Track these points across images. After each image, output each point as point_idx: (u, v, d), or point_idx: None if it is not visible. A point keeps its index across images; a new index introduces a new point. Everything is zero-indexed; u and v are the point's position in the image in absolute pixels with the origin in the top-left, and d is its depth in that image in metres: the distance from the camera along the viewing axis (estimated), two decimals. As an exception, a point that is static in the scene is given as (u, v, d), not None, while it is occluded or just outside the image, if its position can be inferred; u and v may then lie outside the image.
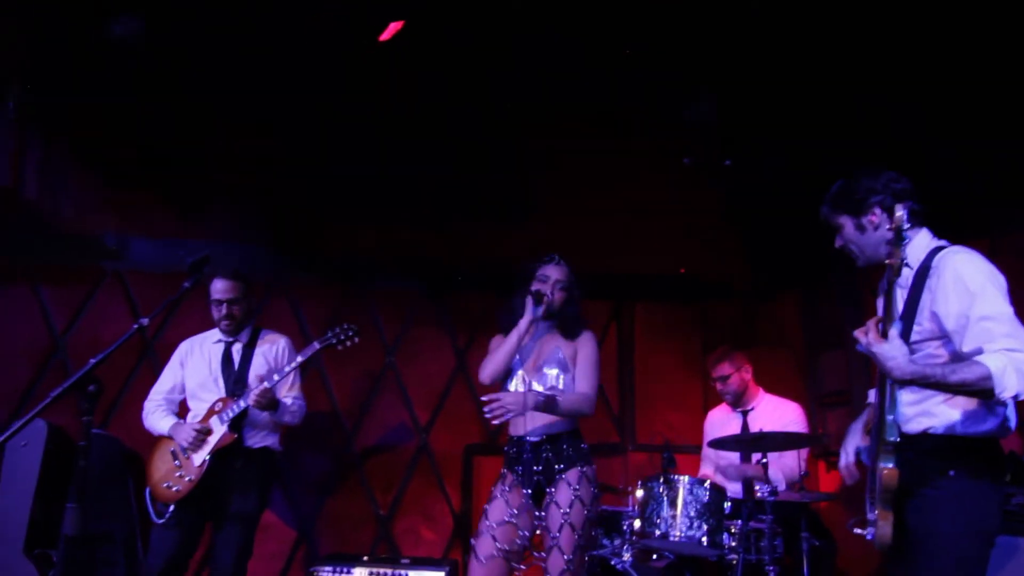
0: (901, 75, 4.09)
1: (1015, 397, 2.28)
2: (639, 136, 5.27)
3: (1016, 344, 2.29)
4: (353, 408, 5.45)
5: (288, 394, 4.08)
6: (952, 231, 2.66)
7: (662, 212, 5.47)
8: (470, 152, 5.15)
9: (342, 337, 3.99)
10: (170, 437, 3.99)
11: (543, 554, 3.37)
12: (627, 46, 4.47)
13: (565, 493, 3.35)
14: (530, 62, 4.54)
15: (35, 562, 4.23)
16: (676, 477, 3.84)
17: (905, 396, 2.49)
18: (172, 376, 4.19)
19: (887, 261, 2.42)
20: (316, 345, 3.98)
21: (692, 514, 3.74)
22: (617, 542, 4.07)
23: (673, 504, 3.77)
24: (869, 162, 2.72)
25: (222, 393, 4.03)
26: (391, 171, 5.18)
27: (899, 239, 2.38)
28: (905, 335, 2.46)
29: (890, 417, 2.44)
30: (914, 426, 2.51)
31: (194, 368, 4.14)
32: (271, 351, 4.16)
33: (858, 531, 2.57)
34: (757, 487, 3.88)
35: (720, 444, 4.19)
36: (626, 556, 3.85)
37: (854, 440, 2.77)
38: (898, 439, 2.43)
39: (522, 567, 3.39)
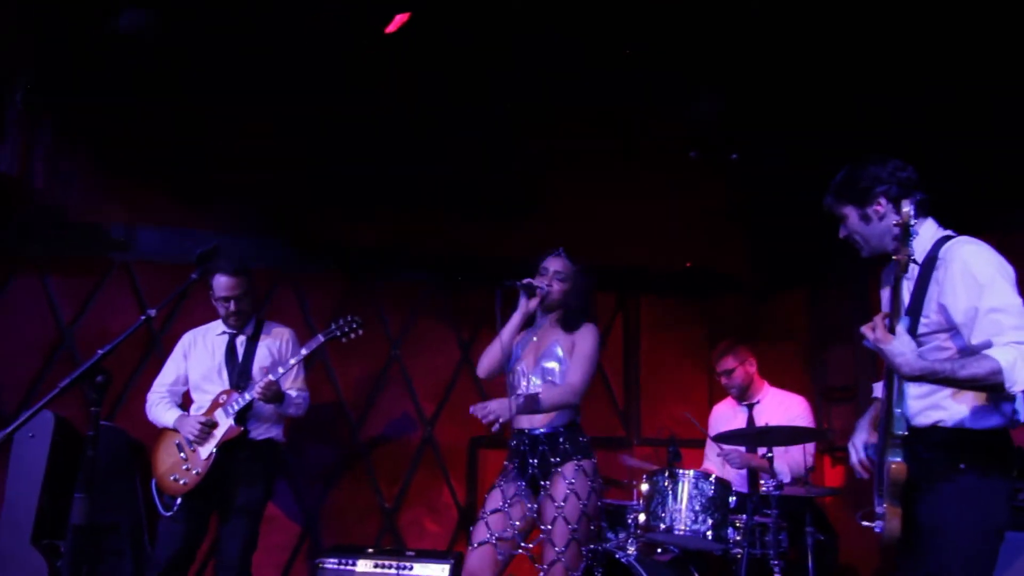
0: (906, 71, 4.07)
1: None
2: (644, 129, 5.27)
3: None
4: (358, 400, 5.46)
5: (292, 386, 4.08)
6: (958, 229, 2.63)
7: (668, 206, 5.47)
8: (477, 148, 5.15)
9: (346, 330, 3.99)
10: (175, 430, 4.00)
11: (530, 545, 3.34)
12: (629, 45, 4.47)
13: (560, 486, 3.31)
14: (533, 60, 4.54)
15: (43, 552, 4.26)
16: (681, 471, 3.85)
17: (913, 389, 2.46)
18: (175, 368, 4.19)
19: (894, 257, 2.38)
20: (320, 338, 3.98)
21: (697, 508, 3.75)
22: (622, 536, 4.08)
23: (678, 498, 3.78)
24: (870, 151, 2.67)
25: (226, 385, 4.03)
26: (397, 165, 5.19)
27: (906, 235, 2.35)
28: (912, 328, 2.44)
29: (898, 411, 2.42)
30: (923, 419, 2.48)
31: (198, 360, 4.14)
32: (275, 343, 4.16)
33: (866, 524, 2.56)
34: (762, 481, 3.87)
35: (725, 438, 4.19)
36: (631, 550, 3.85)
37: (862, 435, 2.73)
38: (906, 432, 2.41)
39: (512, 553, 3.33)
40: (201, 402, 4.07)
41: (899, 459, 2.39)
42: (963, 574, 2.38)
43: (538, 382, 3.47)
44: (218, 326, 4.17)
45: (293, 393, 4.05)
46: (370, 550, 4.59)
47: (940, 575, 2.40)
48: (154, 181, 5.10)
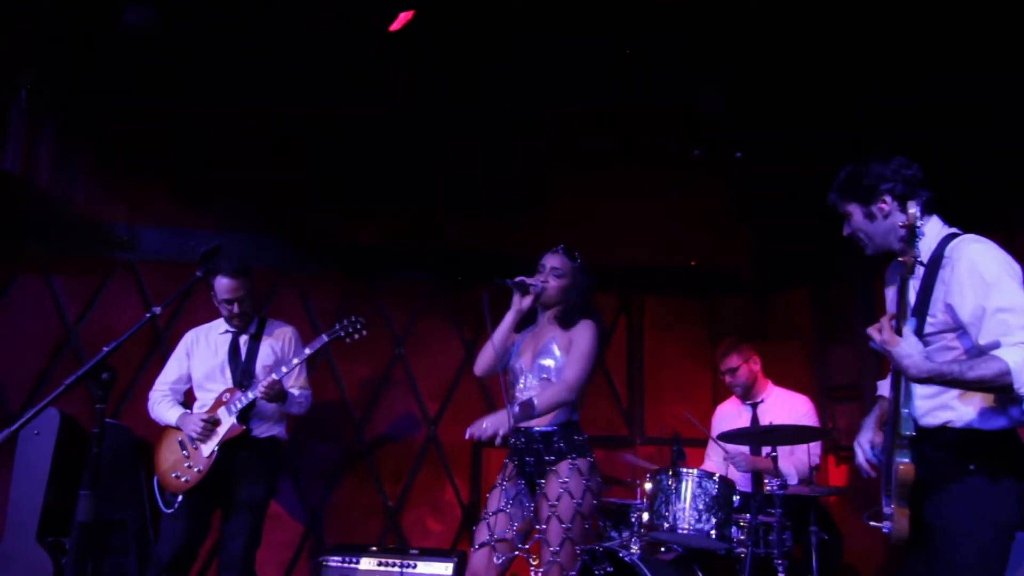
0: (908, 68, 4.06)
1: None
2: (647, 128, 5.26)
3: None
4: (362, 399, 5.47)
5: (295, 385, 4.08)
6: (964, 225, 2.61)
7: (671, 205, 5.46)
8: (480, 146, 5.15)
9: (350, 330, 3.99)
10: (178, 427, 4.01)
11: (526, 546, 3.30)
12: (630, 44, 4.47)
13: (554, 485, 3.26)
14: (534, 59, 4.54)
15: (48, 549, 4.27)
16: (685, 470, 3.84)
17: (921, 389, 2.44)
18: (178, 367, 4.19)
19: (900, 259, 2.35)
20: (324, 338, 3.98)
21: (701, 507, 3.74)
22: (626, 534, 4.08)
23: (682, 497, 3.78)
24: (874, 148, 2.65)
25: (229, 384, 4.04)
26: (399, 164, 5.20)
27: (912, 237, 2.32)
28: (919, 328, 2.42)
29: (905, 411, 2.40)
30: (931, 420, 2.46)
31: (200, 359, 4.14)
32: (278, 342, 4.16)
33: (873, 524, 2.54)
34: (766, 480, 3.87)
35: (730, 438, 4.18)
36: (634, 548, 3.85)
37: (868, 434, 2.71)
38: (914, 433, 2.39)
39: (511, 554, 3.29)
40: (204, 400, 4.07)
41: (907, 460, 2.38)
42: (973, 575, 2.37)
43: (534, 381, 3.43)
44: (221, 324, 4.17)
45: (296, 392, 4.06)
46: (373, 548, 4.59)
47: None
48: (157, 181, 5.11)
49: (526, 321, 3.61)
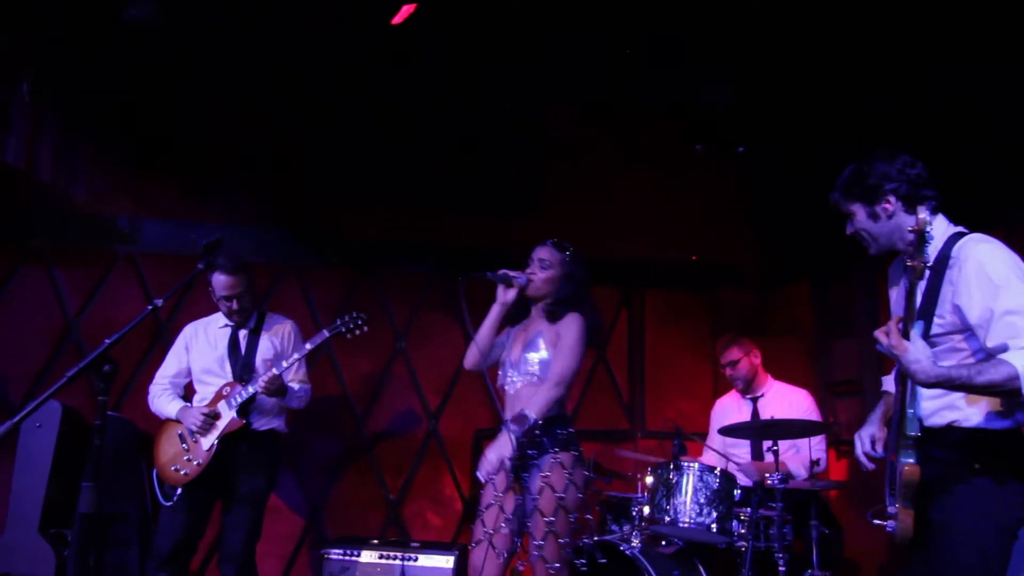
0: (913, 64, 4.05)
1: None
2: (650, 122, 5.26)
3: None
4: (363, 393, 5.47)
5: (295, 379, 4.09)
6: (962, 222, 2.59)
7: (673, 199, 5.47)
8: (482, 141, 5.16)
9: (351, 326, 3.98)
10: (177, 420, 4.01)
11: (518, 540, 3.29)
12: (632, 41, 4.47)
13: (535, 479, 3.25)
14: (535, 57, 4.54)
15: (50, 541, 4.28)
16: (686, 464, 3.85)
17: (927, 390, 2.41)
18: (177, 360, 4.19)
19: (909, 263, 2.31)
20: (325, 333, 3.98)
21: (702, 501, 3.75)
22: (626, 528, 4.08)
23: (683, 491, 3.78)
24: (878, 146, 2.62)
25: (229, 378, 4.04)
26: (402, 158, 5.20)
27: (922, 241, 2.27)
28: (926, 329, 2.40)
29: (911, 411, 2.39)
30: (937, 420, 2.45)
31: (199, 352, 4.14)
32: (278, 336, 4.16)
33: (877, 522, 2.54)
34: (767, 475, 3.87)
35: (731, 431, 4.18)
36: (635, 542, 3.85)
37: (870, 428, 2.70)
38: (919, 434, 2.38)
39: (508, 547, 3.26)
40: (204, 393, 4.08)
41: (912, 460, 2.37)
42: (976, 574, 2.37)
43: (517, 375, 3.40)
44: (220, 318, 4.17)
45: (296, 386, 4.06)
46: (374, 541, 4.60)
47: (951, 574, 2.39)
48: (159, 174, 5.11)
49: (521, 314, 3.57)
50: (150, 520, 4.55)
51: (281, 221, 5.36)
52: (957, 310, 2.39)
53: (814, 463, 3.94)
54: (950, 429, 2.44)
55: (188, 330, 4.24)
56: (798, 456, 4.28)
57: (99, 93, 4.90)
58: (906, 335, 2.30)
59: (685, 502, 3.76)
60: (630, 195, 5.43)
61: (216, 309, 4.18)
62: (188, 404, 4.07)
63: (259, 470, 3.98)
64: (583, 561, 3.38)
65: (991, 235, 2.48)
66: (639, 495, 4.06)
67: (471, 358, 3.59)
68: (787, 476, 3.80)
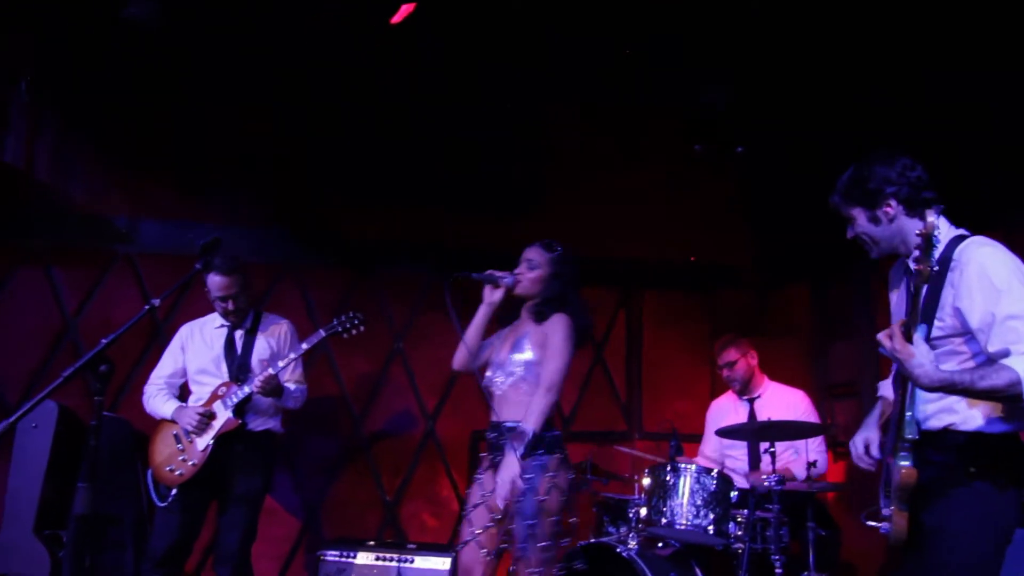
0: (911, 64, 4.06)
1: None
2: (649, 123, 5.26)
3: None
4: (361, 393, 5.46)
5: (291, 379, 4.08)
6: (963, 222, 2.58)
7: (671, 200, 5.46)
8: (482, 142, 5.15)
9: (348, 325, 3.98)
10: (173, 420, 4.00)
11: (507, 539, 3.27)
12: (632, 41, 4.47)
13: (519, 482, 3.21)
14: (535, 57, 4.54)
15: (45, 542, 4.27)
16: (683, 465, 3.84)
17: (926, 393, 2.41)
18: (173, 361, 4.18)
19: (915, 268, 2.29)
20: (322, 333, 3.97)
21: (699, 502, 3.74)
22: (623, 529, 4.08)
23: (680, 492, 3.77)
24: (876, 148, 2.60)
25: (225, 378, 4.04)
26: (401, 158, 5.19)
27: (929, 246, 2.24)
28: (927, 332, 2.39)
29: (909, 414, 2.38)
30: (935, 423, 2.44)
31: (195, 353, 4.14)
32: (274, 336, 4.16)
33: (871, 524, 2.54)
34: (764, 477, 3.87)
35: (728, 433, 4.18)
36: (632, 544, 3.85)
37: (864, 433, 2.70)
38: (917, 437, 2.37)
39: (495, 546, 3.24)
40: (200, 394, 4.07)
41: (909, 463, 2.37)
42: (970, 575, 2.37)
43: (502, 376, 3.39)
44: (216, 319, 4.17)
45: (292, 386, 4.06)
46: (371, 543, 4.59)
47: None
48: (158, 174, 5.11)
49: (512, 315, 3.56)
50: (146, 521, 4.54)
51: (280, 221, 5.36)
52: (958, 313, 2.38)
53: (811, 464, 3.93)
54: (947, 432, 2.43)
55: (184, 330, 4.23)
56: (799, 460, 4.27)
57: (98, 93, 4.90)
58: (909, 338, 2.29)
59: (682, 504, 3.75)
60: (629, 196, 5.43)
61: (213, 309, 4.17)
62: (183, 404, 4.06)
63: (255, 470, 3.98)
64: (577, 565, 3.37)
65: (991, 237, 2.47)
66: (636, 496, 4.06)
67: (459, 358, 3.58)
68: (783, 479, 3.79)
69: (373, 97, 4.97)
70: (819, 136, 4.68)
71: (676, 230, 5.63)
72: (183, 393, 4.20)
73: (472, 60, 4.65)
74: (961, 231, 2.51)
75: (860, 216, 2.57)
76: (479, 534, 3.28)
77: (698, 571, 3.89)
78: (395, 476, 5.43)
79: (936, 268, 2.32)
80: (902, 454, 2.39)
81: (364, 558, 4.45)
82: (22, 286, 5.03)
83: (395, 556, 4.43)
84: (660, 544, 4.09)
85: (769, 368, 4.76)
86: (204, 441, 3.91)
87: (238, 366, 4.05)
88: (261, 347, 4.10)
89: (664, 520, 3.76)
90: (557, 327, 3.36)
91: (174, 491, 3.88)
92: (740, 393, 4.67)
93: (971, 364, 2.40)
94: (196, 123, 5.02)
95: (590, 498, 4.56)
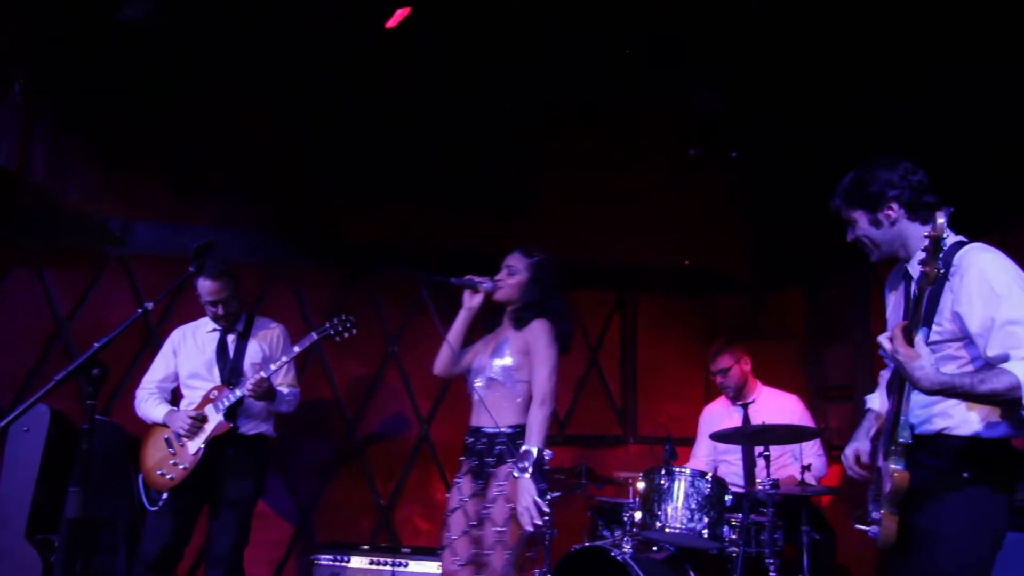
0: (905, 69, 4.07)
1: None
2: (643, 127, 5.27)
3: None
4: (355, 397, 5.45)
5: (283, 383, 4.07)
6: (958, 225, 2.60)
7: (666, 204, 5.47)
8: (477, 144, 5.15)
9: (340, 328, 3.96)
10: (164, 424, 3.99)
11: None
12: (629, 43, 4.47)
13: (491, 488, 3.25)
14: (535, 57, 4.54)
15: (37, 547, 4.24)
16: (677, 469, 3.84)
17: (919, 397, 2.42)
18: (164, 365, 4.17)
19: (923, 270, 2.28)
20: (314, 336, 3.96)
21: (693, 506, 3.74)
22: (618, 533, 4.07)
23: (674, 496, 3.77)
24: (877, 153, 2.61)
25: (217, 382, 4.03)
26: (397, 160, 5.19)
27: (938, 248, 2.22)
28: (926, 336, 2.40)
29: (903, 418, 2.39)
30: (929, 427, 2.45)
31: (187, 356, 4.12)
32: (266, 339, 4.15)
33: (860, 527, 2.54)
34: (758, 480, 3.87)
35: (724, 437, 4.18)
36: (626, 547, 3.84)
37: (855, 444, 2.71)
38: (911, 441, 2.38)
39: (473, 551, 3.24)
40: (191, 398, 4.06)
41: (901, 467, 2.37)
42: None
43: (481, 382, 3.39)
44: (208, 323, 4.16)
45: (284, 390, 4.05)
46: (365, 547, 4.58)
47: None
48: (152, 176, 5.09)
49: (496, 322, 3.57)
50: (139, 525, 4.52)
51: (275, 223, 5.35)
52: (957, 318, 2.39)
53: (805, 468, 3.93)
54: (941, 437, 2.44)
55: (176, 334, 4.22)
56: (798, 465, 4.27)
57: (92, 94, 4.88)
58: (910, 341, 2.30)
59: (676, 508, 3.75)
60: (625, 198, 5.43)
61: (206, 313, 4.16)
62: (175, 408, 4.05)
63: (247, 474, 3.96)
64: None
65: (986, 242, 2.49)
66: (630, 500, 4.05)
67: (440, 363, 3.60)
68: (775, 482, 3.79)
69: (371, 97, 4.97)
70: (814, 140, 4.70)
71: (671, 234, 5.63)
72: (175, 398, 4.19)
73: (472, 60, 4.65)
74: (960, 237, 2.52)
75: (861, 219, 2.59)
76: (454, 540, 3.28)
77: (692, 575, 3.89)
78: (389, 480, 5.41)
79: (943, 270, 2.33)
80: (895, 458, 2.39)
81: (358, 562, 4.44)
82: (14, 288, 5.01)
83: (389, 560, 4.43)
84: (654, 548, 4.08)
85: (763, 371, 4.76)
86: (195, 445, 3.89)
87: (230, 370, 4.03)
88: (253, 351, 4.09)
89: (659, 524, 3.76)
90: (539, 334, 3.36)
91: (164, 495, 3.86)
92: (733, 399, 4.67)
93: (969, 369, 2.40)
94: (191, 124, 5.00)
95: (585, 502, 4.55)
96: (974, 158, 3.99)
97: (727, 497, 3.80)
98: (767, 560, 3.72)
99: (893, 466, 2.39)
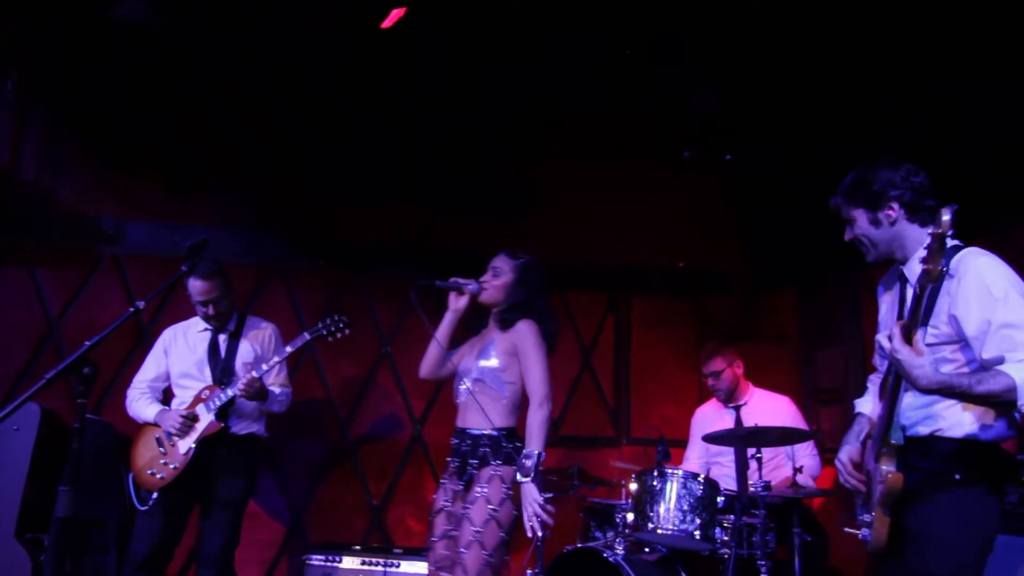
0: (901, 72, 4.08)
1: None
2: (639, 129, 5.27)
3: None
4: (347, 397, 5.44)
5: (275, 383, 4.06)
6: (958, 225, 2.60)
7: (661, 206, 5.48)
8: (473, 145, 5.15)
9: (332, 329, 3.95)
10: (155, 424, 3.97)
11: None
12: (627, 45, 4.47)
13: (472, 489, 3.24)
14: (534, 57, 4.54)
15: (26, 546, 4.22)
16: (670, 470, 3.84)
17: (911, 399, 2.43)
18: (156, 365, 4.15)
19: (926, 268, 2.27)
20: (306, 336, 3.95)
21: (685, 508, 3.74)
22: (610, 534, 4.07)
23: (666, 497, 3.77)
24: (877, 154, 2.62)
25: (208, 382, 4.01)
26: (392, 161, 5.18)
27: (942, 247, 2.21)
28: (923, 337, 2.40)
29: (895, 420, 2.40)
30: (921, 429, 2.46)
31: (179, 356, 4.10)
32: (258, 339, 4.14)
33: (849, 531, 2.55)
34: (751, 482, 3.87)
35: (716, 440, 4.18)
36: (619, 549, 3.85)
37: (847, 449, 2.70)
38: (903, 443, 2.39)
39: (457, 550, 3.20)
40: (183, 397, 4.04)
41: (894, 469, 2.38)
42: None
43: (467, 383, 3.39)
44: (200, 322, 4.14)
45: (276, 390, 4.03)
46: (357, 547, 4.58)
47: None
48: (145, 174, 5.08)
49: (481, 325, 3.57)
50: (129, 525, 4.50)
51: (267, 223, 5.34)
52: (953, 321, 2.40)
53: (797, 470, 3.93)
54: (933, 439, 2.44)
55: (167, 334, 4.20)
56: (792, 467, 4.28)
57: (85, 92, 4.87)
58: (909, 340, 2.30)
59: (669, 509, 3.75)
60: (622, 200, 5.44)
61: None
62: (166, 407, 4.03)
63: (238, 474, 3.95)
64: None
65: (979, 245, 2.50)
66: (623, 501, 4.06)
67: (425, 366, 3.61)
68: (767, 484, 3.79)
69: (370, 97, 4.96)
70: (810, 142, 4.71)
71: (665, 235, 5.65)
72: (166, 397, 4.17)
73: (472, 60, 4.65)
74: (956, 242, 2.52)
75: (861, 218, 2.60)
76: (436, 542, 3.28)
77: (684, 576, 3.89)
78: (382, 480, 5.40)
79: (945, 268, 2.33)
80: (887, 459, 2.40)
81: (350, 563, 4.43)
82: (5, 286, 4.99)
83: (381, 561, 4.42)
84: (647, 549, 4.08)
85: (756, 373, 4.76)
86: (186, 444, 3.88)
87: (222, 370, 4.02)
88: (245, 350, 4.07)
89: (651, 525, 3.76)
90: (526, 335, 3.36)
91: (155, 495, 3.85)
92: (725, 401, 4.67)
93: (965, 371, 2.41)
94: (184, 123, 4.99)
95: (577, 503, 4.56)
96: (974, 158, 3.99)
97: (719, 499, 3.81)
98: (759, 562, 3.72)
99: (885, 467, 2.39)
